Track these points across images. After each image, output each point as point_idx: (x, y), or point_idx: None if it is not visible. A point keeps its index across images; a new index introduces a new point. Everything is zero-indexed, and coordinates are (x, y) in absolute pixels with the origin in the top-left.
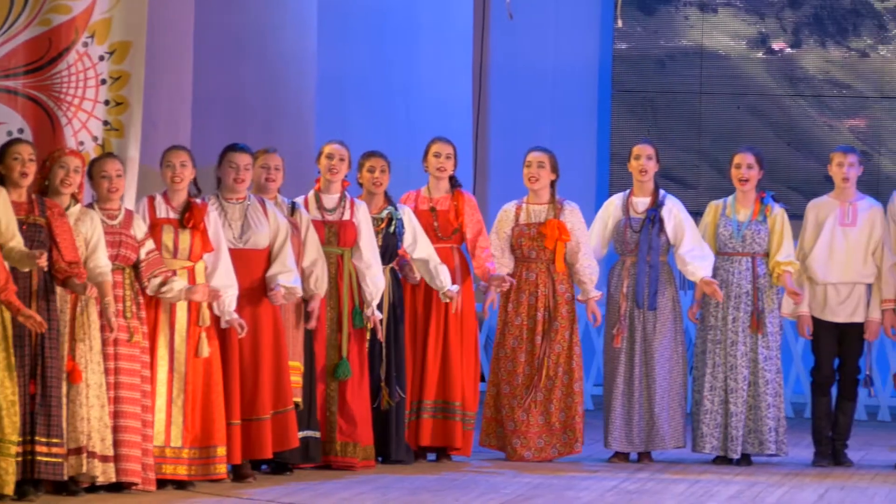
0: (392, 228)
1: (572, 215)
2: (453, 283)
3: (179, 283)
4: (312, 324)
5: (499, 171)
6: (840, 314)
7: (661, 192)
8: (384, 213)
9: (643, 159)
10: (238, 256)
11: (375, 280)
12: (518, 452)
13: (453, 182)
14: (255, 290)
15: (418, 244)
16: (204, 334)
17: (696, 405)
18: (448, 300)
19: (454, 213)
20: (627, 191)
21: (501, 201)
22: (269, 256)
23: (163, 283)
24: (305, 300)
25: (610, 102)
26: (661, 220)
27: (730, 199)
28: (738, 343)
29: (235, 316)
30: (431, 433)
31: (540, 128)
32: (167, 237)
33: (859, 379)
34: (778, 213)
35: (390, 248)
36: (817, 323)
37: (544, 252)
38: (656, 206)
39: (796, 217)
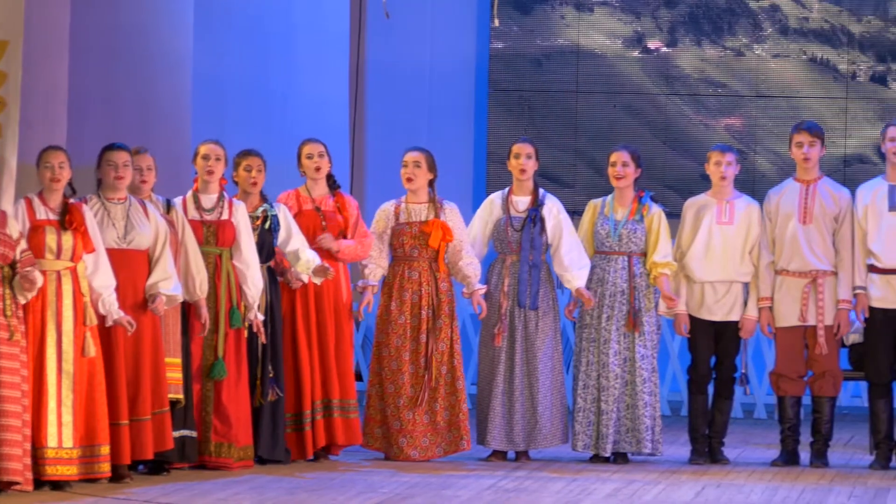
0: (267, 225)
1: (452, 214)
2: (338, 283)
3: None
4: (205, 331)
5: (376, 170)
6: (717, 312)
7: (541, 191)
8: (259, 211)
9: (523, 158)
10: (121, 257)
11: (255, 281)
12: (405, 452)
13: (332, 182)
14: (137, 291)
15: (292, 239)
16: (89, 334)
17: (573, 403)
18: (318, 277)
19: (339, 214)
20: (507, 189)
21: (379, 201)
22: (149, 257)
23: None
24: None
25: (487, 102)
26: (542, 220)
27: (608, 198)
28: (612, 342)
29: (122, 314)
30: (336, 432)
31: (417, 127)
32: (50, 239)
33: (735, 377)
34: (655, 213)
35: (266, 245)
36: (694, 321)
37: (427, 251)
38: (537, 205)
39: (673, 216)
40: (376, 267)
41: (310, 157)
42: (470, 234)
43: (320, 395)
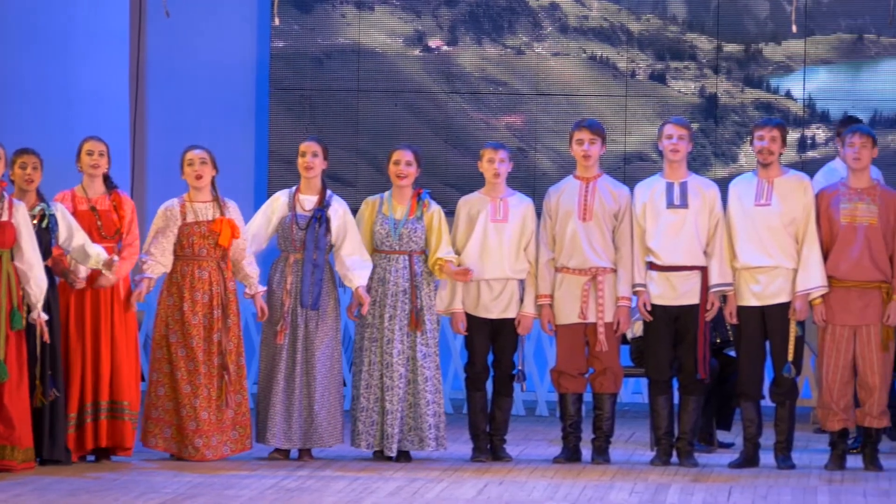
0: (45, 224)
1: (235, 212)
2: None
3: None
4: None
5: (157, 169)
6: (493, 310)
7: (328, 191)
8: (37, 210)
9: (309, 156)
10: None
11: (38, 281)
12: (200, 451)
13: (108, 182)
14: None
15: (74, 236)
16: None
17: (354, 402)
18: (108, 269)
19: (115, 213)
20: (294, 188)
21: (160, 199)
22: None
23: None
24: None
25: (268, 100)
26: (327, 220)
27: (386, 195)
28: (395, 341)
29: None
30: (104, 433)
31: (198, 126)
32: None
33: (513, 374)
34: (435, 211)
35: (44, 243)
36: (471, 319)
37: (215, 250)
38: (323, 205)
39: (452, 214)
40: (156, 264)
41: (90, 153)
42: (250, 230)
43: (91, 397)
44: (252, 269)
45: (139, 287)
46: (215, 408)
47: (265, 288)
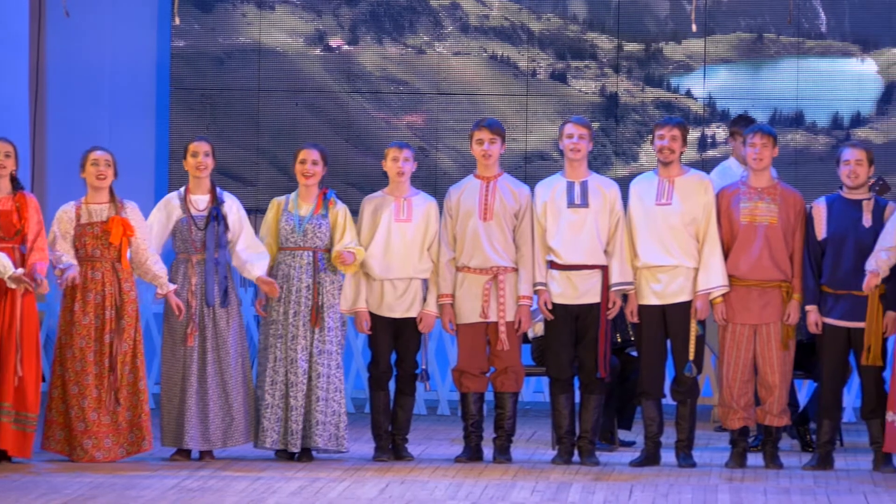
0: None
1: (134, 213)
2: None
3: None
4: None
5: (57, 171)
6: (397, 309)
7: (218, 188)
8: None
9: (201, 156)
10: None
11: None
12: (90, 453)
13: (15, 182)
14: None
15: None
16: None
17: (259, 400)
18: (14, 285)
19: (17, 214)
20: (183, 188)
21: (61, 201)
22: None
23: None
24: None
25: (168, 100)
26: (224, 217)
27: (292, 195)
28: (299, 337)
29: None
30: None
31: (98, 126)
32: None
33: (416, 373)
34: (341, 209)
35: None
36: (374, 318)
37: (109, 250)
38: (217, 203)
39: (356, 213)
40: (70, 258)
41: None
42: (149, 232)
43: None
44: (159, 269)
45: (71, 272)
46: (106, 409)
47: (176, 286)
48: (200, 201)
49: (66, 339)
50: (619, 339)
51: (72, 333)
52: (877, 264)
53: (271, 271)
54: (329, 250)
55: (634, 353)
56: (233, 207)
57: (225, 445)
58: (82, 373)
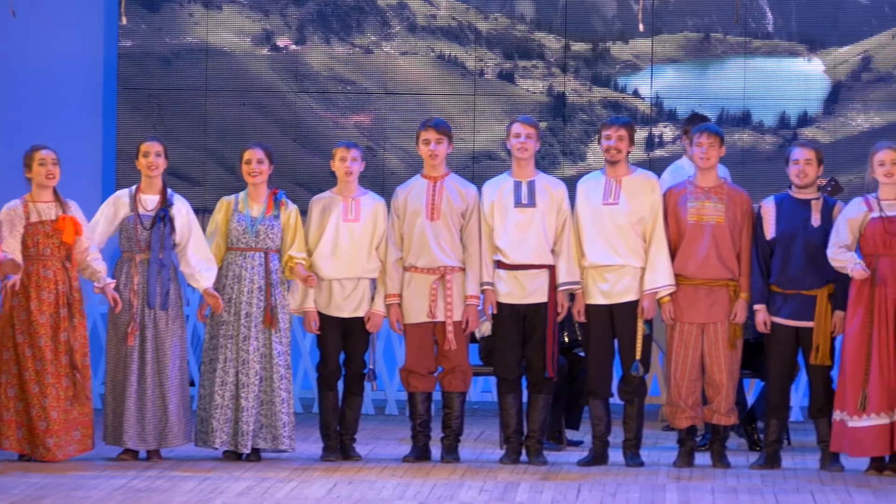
0: None
1: (78, 211)
2: None
3: None
4: None
5: (2, 170)
6: (345, 309)
7: (169, 190)
8: None
9: (152, 156)
10: None
11: None
12: (52, 451)
13: None
14: None
15: None
16: None
17: (207, 400)
18: None
19: None
20: (135, 187)
21: (5, 200)
22: None
23: None
24: None
25: (115, 100)
26: (171, 219)
27: (241, 194)
28: (251, 338)
29: None
30: None
31: (45, 125)
32: None
33: (364, 373)
34: (292, 210)
35: None
36: (323, 318)
37: (59, 249)
38: (166, 204)
39: (305, 213)
40: (16, 255)
41: None
42: (94, 229)
43: None
44: (98, 265)
45: (16, 276)
46: (65, 407)
47: (114, 280)
48: (150, 201)
49: (24, 339)
50: (566, 339)
51: (29, 333)
52: (852, 256)
53: (220, 272)
54: (280, 251)
55: (581, 353)
56: (182, 210)
57: (160, 446)
58: (42, 372)
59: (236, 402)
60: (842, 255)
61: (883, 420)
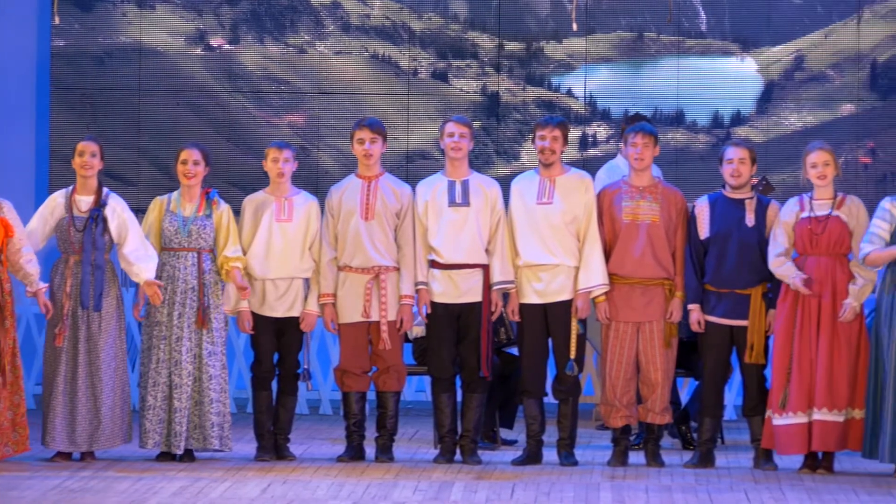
0: None
1: (11, 212)
2: None
3: None
4: None
5: None
6: (278, 309)
7: (105, 190)
8: None
9: (87, 156)
10: None
11: None
12: None
13: None
14: None
15: None
16: None
17: (141, 401)
18: None
19: None
20: (71, 188)
21: None
22: None
23: None
24: None
25: (49, 100)
26: (105, 220)
27: (174, 194)
28: (184, 339)
29: None
30: None
31: None
32: None
33: (298, 373)
34: (224, 209)
35: None
36: (257, 318)
37: None
38: (100, 205)
39: (235, 213)
40: None
41: None
42: (28, 230)
43: None
44: (32, 267)
45: None
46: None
47: (46, 284)
48: (84, 202)
49: None
50: (501, 339)
51: None
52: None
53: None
54: (213, 251)
55: (514, 352)
56: (117, 210)
57: (92, 448)
58: None
59: (169, 402)
60: (781, 269)
61: (801, 419)
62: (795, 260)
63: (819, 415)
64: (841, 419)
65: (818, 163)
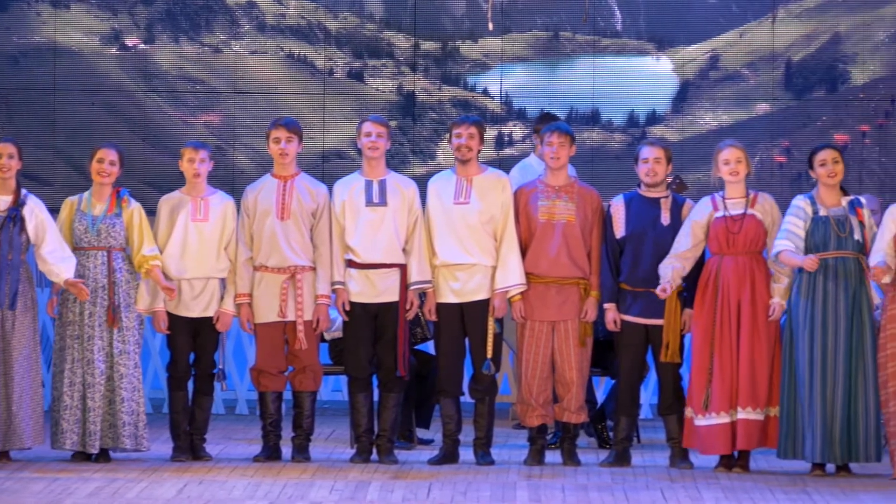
0: None
1: None
2: None
3: None
4: None
5: None
6: (194, 309)
7: (24, 190)
8: None
9: (4, 158)
10: None
11: None
12: None
13: None
14: None
15: None
16: None
17: (56, 401)
18: None
19: None
20: None
21: None
22: None
23: None
24: None
25: None
26: (22, 219)
27: (86, 194)
28: (95, 338)
29: None
30: None
31: None
32: None
33: (214, 373)
34: (135, 208)
35: None
36: (172, 318)
37: None
38: (18, 204)
39: (153, 213)
40: None
41: None
42: None
43: None
44: None
45: None
46: None
47: None
48: (2, 202)
49: None
50: (418, 339)
51: None
52: (672, 275)
53: None
54: (124, 249)
55: (432, 351)
56: (35, 210)
57: (6, 448)
58: None
59: (84, 402)
60: (663, 267)
61: (723, 419)
62: (709, 260)
63: (743, 414)
64: (762, 417)
65: (731, 160)
